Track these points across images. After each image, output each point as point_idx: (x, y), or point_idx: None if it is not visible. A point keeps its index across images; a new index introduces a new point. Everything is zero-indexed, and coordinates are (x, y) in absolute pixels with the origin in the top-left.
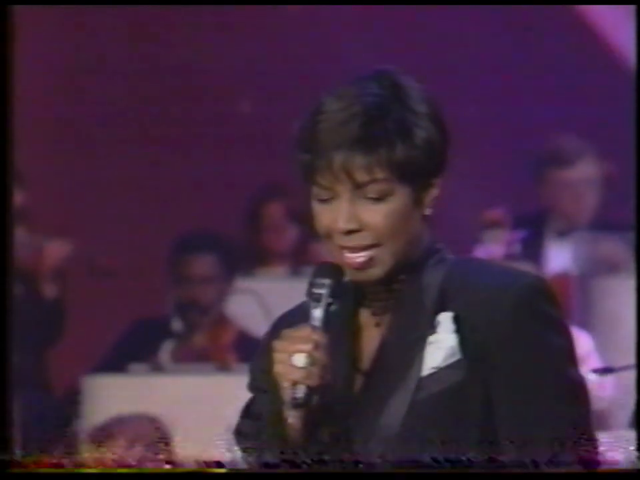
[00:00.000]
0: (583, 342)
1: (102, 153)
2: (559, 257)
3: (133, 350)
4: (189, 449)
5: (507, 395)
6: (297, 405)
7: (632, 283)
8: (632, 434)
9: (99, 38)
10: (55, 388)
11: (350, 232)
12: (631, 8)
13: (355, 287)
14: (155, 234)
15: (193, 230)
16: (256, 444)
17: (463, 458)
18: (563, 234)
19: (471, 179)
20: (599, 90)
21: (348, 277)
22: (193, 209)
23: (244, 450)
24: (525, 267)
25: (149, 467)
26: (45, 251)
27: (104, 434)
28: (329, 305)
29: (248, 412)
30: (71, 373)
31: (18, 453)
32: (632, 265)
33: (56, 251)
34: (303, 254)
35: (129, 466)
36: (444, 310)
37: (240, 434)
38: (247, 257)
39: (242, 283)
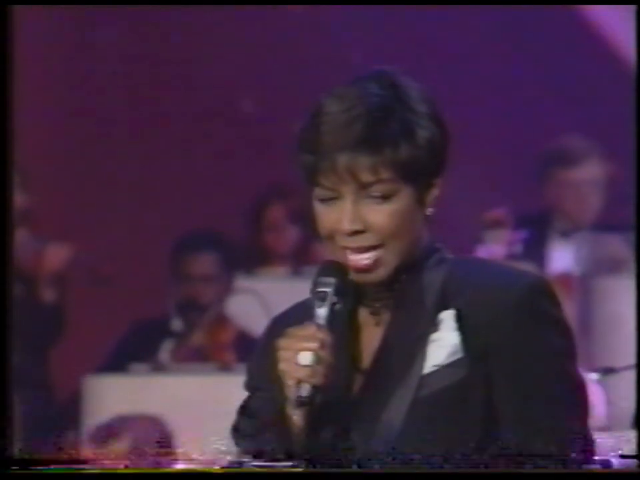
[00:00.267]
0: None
1: (102, 153)
2: (562, 257)
3: (133, 350)
4: (189, 448)
5: (508, 393)
6: (301, 403)
7: (633, 283)
8: (632, 434)
9: (99, 38)
10: (55, 388)
11: (354, 233)
12: (631, 8)
13: (355, 287)
14: (156, 234)
15: (193, 229)
16: (254, 442)
17: (464, 457)
18: (566, 234)
19: (473, 179)
20: (599, 90)
21: (351, 278)
22: (195, 210)
23: (241, 448)
24: (527, 266)
25: (150, 467)
26: (46, 253)
27: (108, 433)
28: (334, 304)
29: (244, 410)
30: (72, 373)
31: (18, 452)
32: (633, 265)
33: (56, 253)
34: (304, 254)
35: (131, 465)
36: (445, 309)
37: (237, 431)
38: (248, 256)
39: (243, 283)
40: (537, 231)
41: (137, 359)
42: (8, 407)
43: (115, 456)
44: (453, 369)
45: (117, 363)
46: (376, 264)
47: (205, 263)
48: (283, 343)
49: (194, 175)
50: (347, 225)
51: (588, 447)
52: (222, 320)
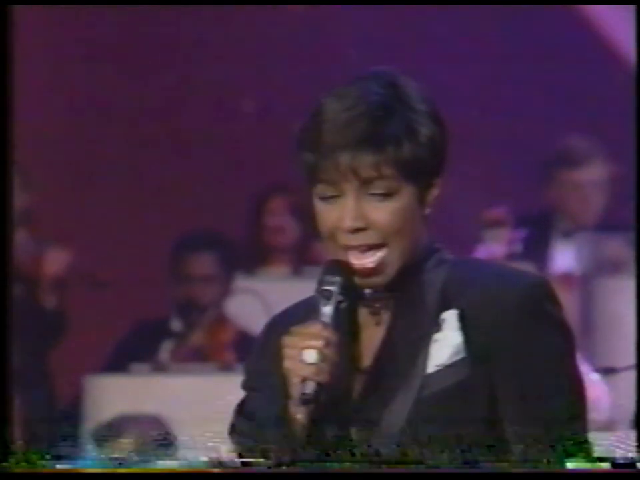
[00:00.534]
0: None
1: (102, 152)
2: (563, 257)
3: (133, 350)
4: (189, 448)
5: (509, 393)
6: (305, 401)
7: (633, 283)
8: (632, 434)
9: (99, 38)
10: (56, 388)
11: (356, 230)
12: (631, 8)
13: (355, 287)
14: (156, 234)
15: (193, 229)
16: (252, 442)
17: (467, 456)
18: (568, 234)
19: (473, 179)
20: (599, 90)
21: (356, 281)
22: (194, 210)
23: (240, 448)
24: (527, 266)
25: (151, 467)
26: (46, 257)
27: (111, 432)
28: (339, 302)
29: (242, 410)
30: (73, 373)
31: (18, 452)
32: (633, 266)
33: (56, 258)
34: (305, 252)
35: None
36: (447, 309)
37: (235, 431)
38: (248, 255)
39: (243, 283)
40: (537, 230)
41: (137, 359)
42: (8, 407)
43: (119, 455)
44: (456, 368)
45: (118, 362)
46: (381, 266)
47: (204, 263)
48: (287, 340)
49: (194, 175)
50: (349, 222)
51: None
52: (222, 320)
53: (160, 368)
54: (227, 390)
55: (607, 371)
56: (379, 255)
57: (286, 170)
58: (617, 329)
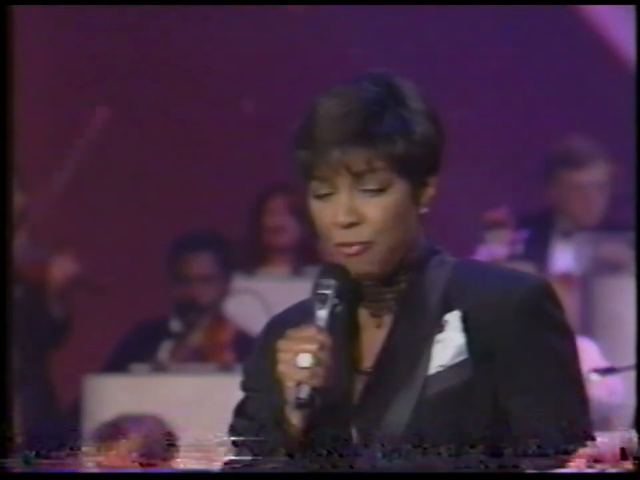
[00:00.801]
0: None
1: (102, 152)
2: (563, 257)
3: (133, 350)
4: (190, 448)
5: (511, 394)
6: (300, 405)
7: (633, 283)
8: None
9: (99, 38)
10: (56, 388)
11: (349, 225)
12: (631, 8)
13: (355, 288)
14: (155, 234)
15: (192, 228)
16: (251, 442)
17: (469, 457)
18: (568, 234)
19: (473, 179)
20: (599, 90)
21: (348, 269)
22: (193, 210)
23: (239, 448)
24: (527, 266)
25: (150, 467)
26: (46, 259)
27: (114, 432)
28: (335, 306)
29: (240, 411)
30: (72, 373)
31: (19, 452)
32: (633, 266)
33: (57, 260)
34: (305, 252)
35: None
36: (450, 310)
37: (234, 432)
38: (247, 255)
39: (242, 283)
40: (538, 231)
41: (137, 359)
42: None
43: (122, 455)
44: (459, 369)
45: (118, 363)
46: (365, 249)
47: (203, 263)
48: (282, 344)
49: (194, 174)
50: (342, 217)
51: (588, 444)
52: (221, 320)
53: (160, 368)
54: (226, 390)
55: (607, 371)
56: (366, 247)
57: (286, 170)
58: (617, 329)
